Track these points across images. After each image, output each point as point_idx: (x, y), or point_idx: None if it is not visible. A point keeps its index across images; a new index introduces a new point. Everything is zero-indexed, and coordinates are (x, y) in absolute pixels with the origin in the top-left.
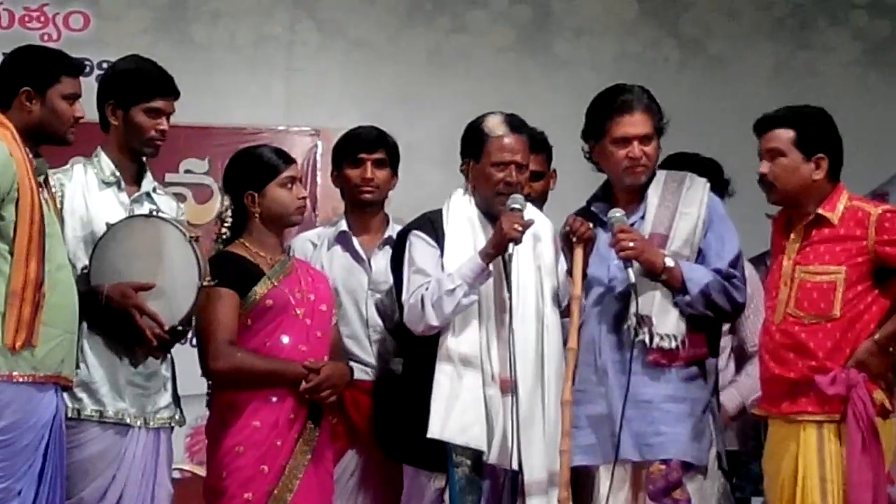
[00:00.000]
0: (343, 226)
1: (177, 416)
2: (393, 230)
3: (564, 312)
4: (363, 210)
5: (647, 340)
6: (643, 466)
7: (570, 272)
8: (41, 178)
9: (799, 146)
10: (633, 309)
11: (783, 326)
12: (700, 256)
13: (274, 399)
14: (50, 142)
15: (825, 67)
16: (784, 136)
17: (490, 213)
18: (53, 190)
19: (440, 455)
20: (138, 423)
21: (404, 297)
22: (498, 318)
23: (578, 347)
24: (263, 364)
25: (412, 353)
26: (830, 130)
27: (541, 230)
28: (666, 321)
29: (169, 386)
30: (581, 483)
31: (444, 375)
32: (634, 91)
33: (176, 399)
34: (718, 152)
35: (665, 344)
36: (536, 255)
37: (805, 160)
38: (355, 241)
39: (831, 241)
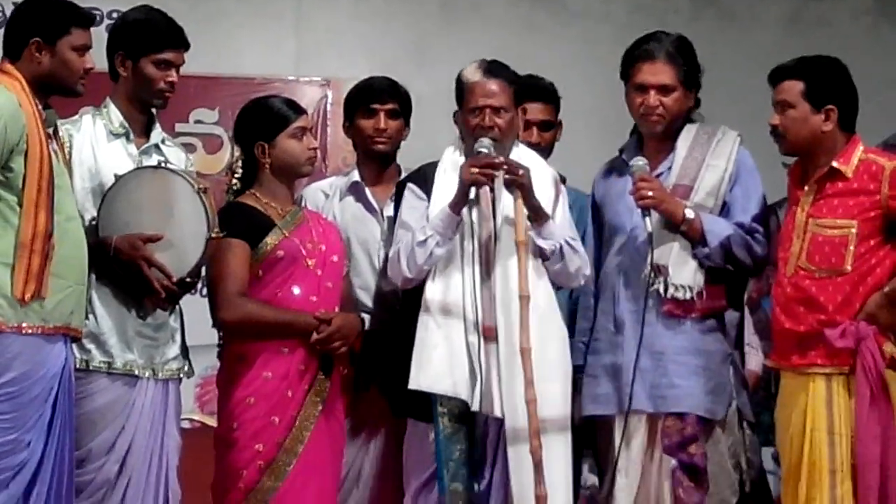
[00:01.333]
0: (355, 176)
1: (185, 368)
2: None
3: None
4: (376, 161)
5: (661, 290)
6: (658, 418)
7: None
8: (50, 130)
9: (808, 97)
10: (649, 258)
11: (794, 280)
12: (725, 210)
13: (285, 350)
14: (60, 93)
15: (837, 18)
16: (794, 87)
17: None
18: (62, 141)
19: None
20: (147, 374)
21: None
22: (483, 266)
23: (599, 294)
24: (274, 315)
25: (404, 305)
26: (842, 81)
27: (534, 176)
28: (682, 272)
29: (178, 337)
30: (599, 433)
31: (422, 325)
32: (663, 39)
33: (184, 350)
34: (731, 103)
35: (679, 294)
36: None
37: (814, 111)
38: (368, 191)
39: (844, 194)
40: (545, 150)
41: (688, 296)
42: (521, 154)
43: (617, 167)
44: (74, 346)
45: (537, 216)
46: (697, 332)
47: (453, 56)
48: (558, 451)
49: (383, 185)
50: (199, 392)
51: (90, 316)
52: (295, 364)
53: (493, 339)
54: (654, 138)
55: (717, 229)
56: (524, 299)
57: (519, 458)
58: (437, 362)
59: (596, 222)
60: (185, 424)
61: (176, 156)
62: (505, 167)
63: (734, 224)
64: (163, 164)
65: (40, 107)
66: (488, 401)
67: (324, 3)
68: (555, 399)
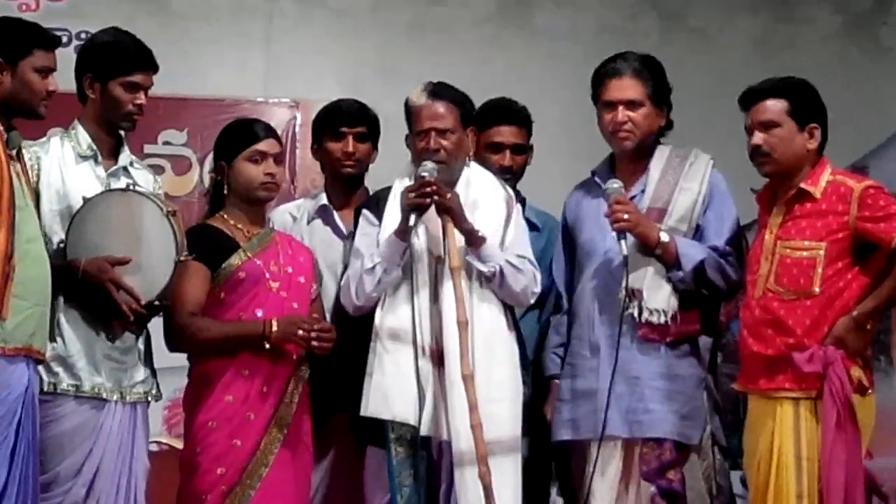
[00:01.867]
0: (323, 199)
1: (153, 391)
2: None
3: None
4: (344, 184)
5: (636, 314)
6: (635, 444)
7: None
8: (13, 152)
9: (793, 116)
10: (624, 282)
11: (762, 302)
12: (699, 233)
13: (245, 372)
14: (21, 115)
15: (805, 41)
16: (777, 106)
17: None
18: (30, 163)
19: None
20: (114, 397)
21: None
22: (432, 290)
23: (574, 319)
24: (218, 328)
25: (364, 331)
26: (819, 101)
27: (482, 198)
28: (657, 296)
29: (145, 360)
30: (573, 457)
31: (371, 351)
32: (629, 57)
33: (152, 373)
34: (698, 125)
35: (654, 318)
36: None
37: (799, 130)
38: (336, 215)
39: (813, 215)
40: (517, 174)
41: (662, 320)
42: (473, 174)
43: (589, 189)
44: (42, 368)
45: (471, 239)
46: (672, 357)
47: (422, 77)
48: (506, 473)
49: (351, 208)
50: (167, 415)
51: (58, 339)
52: (256, 387)
53: (441, 363)
54: (627, 159)
55: (692, 253)
56: (462, 325)
57: (464, 481)
58: (384, 388)
59: (567, 245)
60: (153, 447)
61: (144, 178)
62: (430, 190)
63: (708, 248)
64: (131, 187)
65: (2, 128)
66: (436, 424)
67: (293, 24)
68: (502, 421)
